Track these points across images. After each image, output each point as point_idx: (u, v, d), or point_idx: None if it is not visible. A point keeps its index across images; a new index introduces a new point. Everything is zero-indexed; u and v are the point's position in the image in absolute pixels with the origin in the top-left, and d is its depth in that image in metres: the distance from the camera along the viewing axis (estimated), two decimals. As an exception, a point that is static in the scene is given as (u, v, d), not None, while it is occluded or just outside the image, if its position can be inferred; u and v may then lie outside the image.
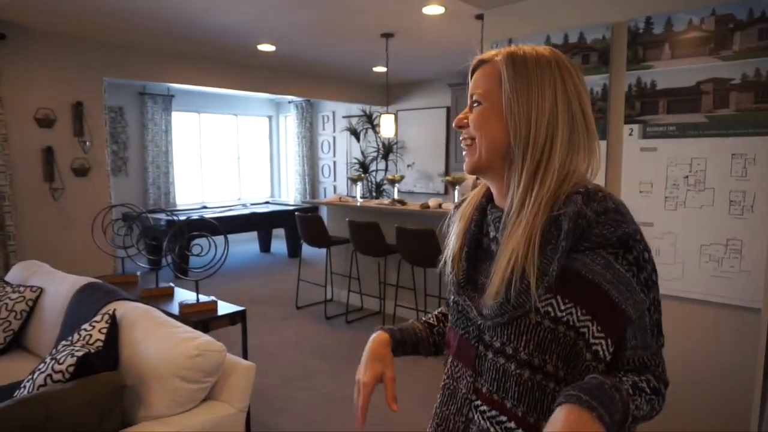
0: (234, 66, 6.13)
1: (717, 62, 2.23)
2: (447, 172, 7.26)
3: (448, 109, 7.20)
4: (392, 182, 5.63)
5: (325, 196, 8.90)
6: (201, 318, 2.64)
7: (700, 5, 2.27)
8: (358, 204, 5.19)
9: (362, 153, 7.93)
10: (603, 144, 2.53)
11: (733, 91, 2.20)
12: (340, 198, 5.45)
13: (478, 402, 0.88)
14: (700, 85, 2.28)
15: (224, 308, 2.80)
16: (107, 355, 1.84)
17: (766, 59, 2.12)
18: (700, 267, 2.30)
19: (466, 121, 0.91)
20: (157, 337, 1.90)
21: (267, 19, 4.27)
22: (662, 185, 2.39)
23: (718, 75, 2.24)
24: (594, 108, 2.53)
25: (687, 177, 2.33)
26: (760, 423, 1.96)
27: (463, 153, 0.93)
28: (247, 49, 5.36)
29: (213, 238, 2.81)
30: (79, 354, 1.73)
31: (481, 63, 0.93)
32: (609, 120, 2.53)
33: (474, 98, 0.91)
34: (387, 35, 4.76)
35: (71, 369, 1.69)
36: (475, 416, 0.88)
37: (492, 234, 0.91)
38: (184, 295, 3.02)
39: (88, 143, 4.79)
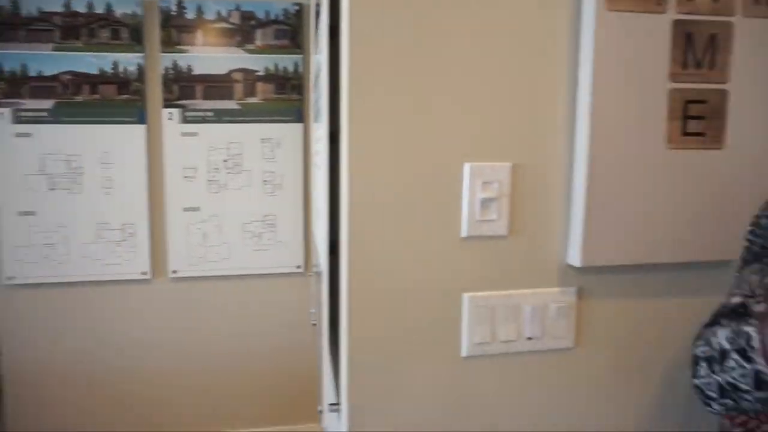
0: None
1: (244, 54, 2.42)
2: None
3: None
4: None
5: None
6: None
7: (225, -3, 2.39)
8: None
9: None
10: (143, 128, 2.38)
11: (258, 81, 2.43)
12: None
13: None
14: (232, 73, 2.42)
15: None
16: None
17: (281, 56, 2.44)
18: (244, 244, 2.48)
19: None
20: None
21: None
22: (205, 169, 2.45)
23: (246, 66, 2.43)
24: (129, 89, 2.37)
25: (226, 161, 2.45)
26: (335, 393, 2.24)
27: None
28: None
29: None
30: None
31: None
32: (147, 103, 2.40)
33: None
34: None
35: None
36: None
37: None
38: None
39: None
